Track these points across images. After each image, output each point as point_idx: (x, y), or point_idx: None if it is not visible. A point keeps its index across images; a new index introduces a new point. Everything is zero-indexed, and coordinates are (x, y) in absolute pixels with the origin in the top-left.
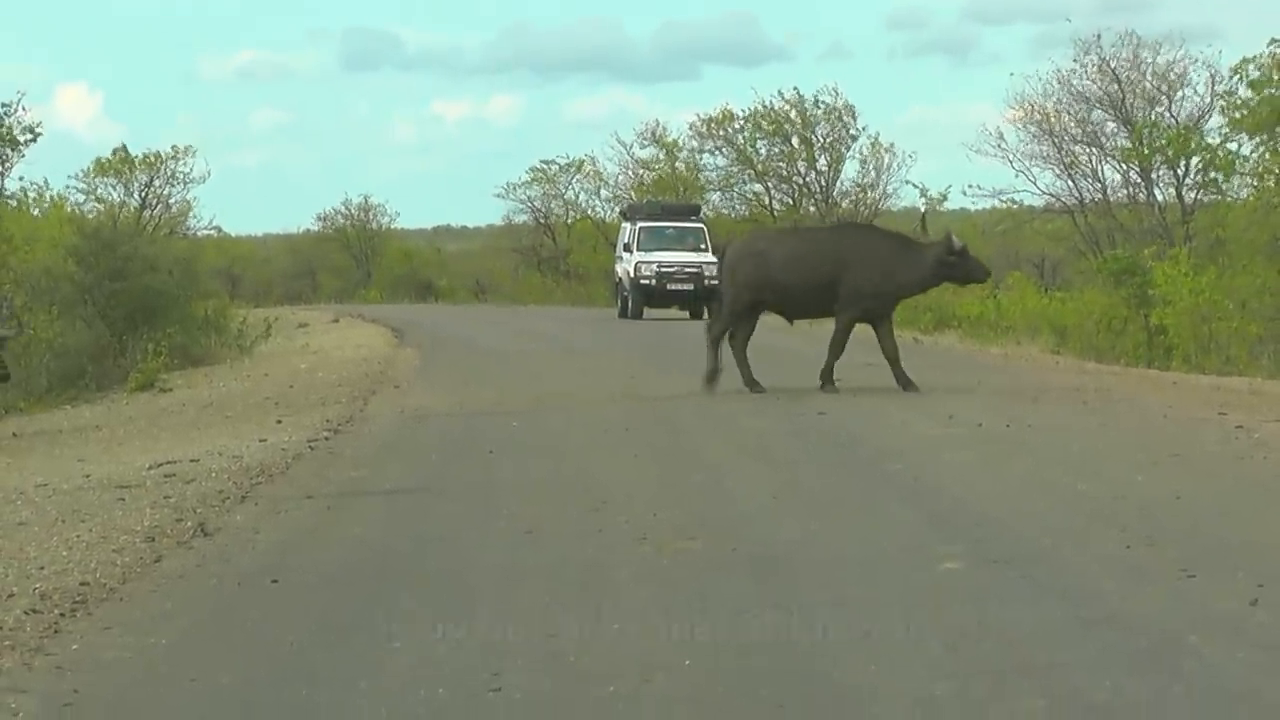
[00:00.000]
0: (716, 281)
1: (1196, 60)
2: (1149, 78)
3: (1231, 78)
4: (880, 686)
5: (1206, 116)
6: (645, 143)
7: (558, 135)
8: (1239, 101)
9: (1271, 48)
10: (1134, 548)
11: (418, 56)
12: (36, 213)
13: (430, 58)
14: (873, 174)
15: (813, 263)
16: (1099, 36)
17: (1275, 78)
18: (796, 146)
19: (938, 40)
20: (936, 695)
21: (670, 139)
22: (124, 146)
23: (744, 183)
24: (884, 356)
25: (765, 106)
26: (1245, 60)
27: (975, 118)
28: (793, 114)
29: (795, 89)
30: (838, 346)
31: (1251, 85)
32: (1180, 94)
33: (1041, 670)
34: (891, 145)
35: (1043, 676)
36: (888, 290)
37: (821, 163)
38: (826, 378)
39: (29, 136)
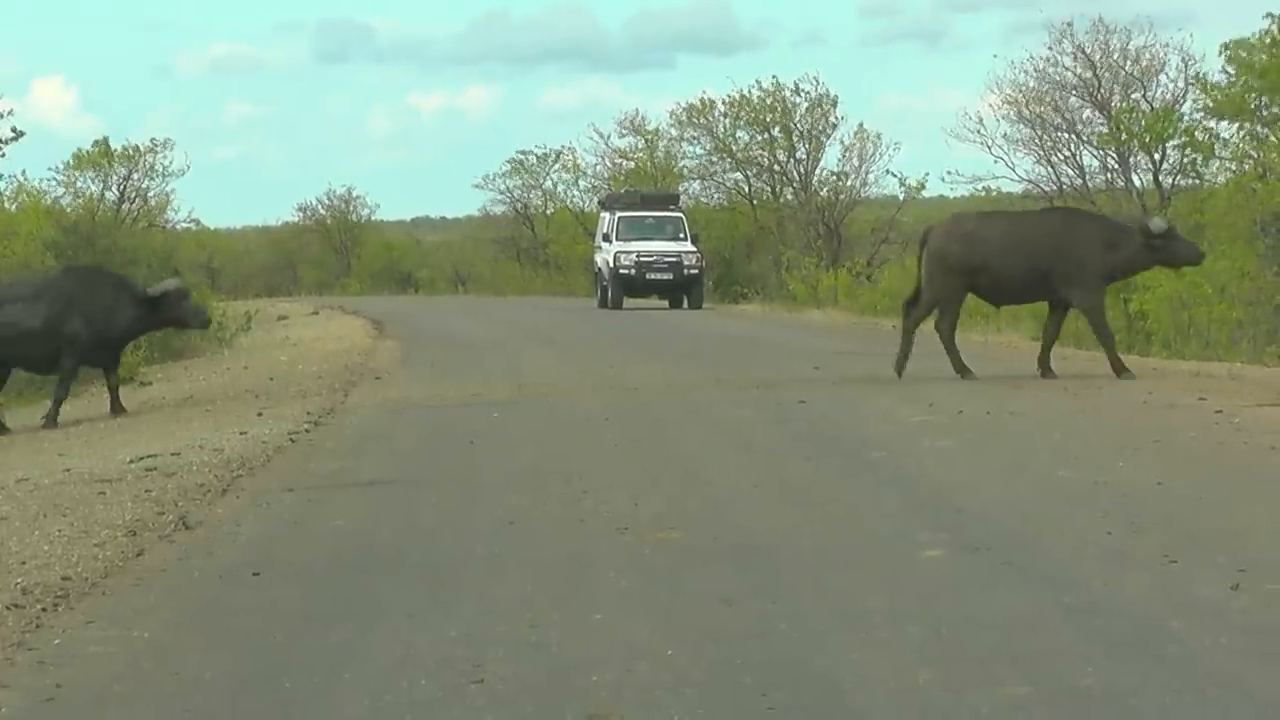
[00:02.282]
0: (695, 270)
1: (1167, 45)
2: (1123, 64)
3: (1220, 54)
4: (863, 674)
5: (1181, 102)
6: (625, 132)
7: (533, 125)
8: (1221, 83)
9: (1269, 23)
10: (1115, 534)
11: (390, 48)
12: (13, 207)
13: (403, 49)
14: (855, 161)
15: (1029, 247)
16: (1070, 24)
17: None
18: (776, 135)
19: (910, 28)
20: (919, 683)
21: (650, 128)
22: (104, 139)
23: (723, 171)
24: (1046, 337)
25: (744, 95)
26: (1233, 42)
27: (949, 105)
28: (770, 102)
29: (774, 78)
30: (1105, 333)
31: (1240, 66)
32: (1155, 80)
33: (1024, 657)
34: (879, 135)
35: (1025, 663)
36: (1101, 274)
37: (801, 151)
38: (1119, 368)
39: (11, 136)
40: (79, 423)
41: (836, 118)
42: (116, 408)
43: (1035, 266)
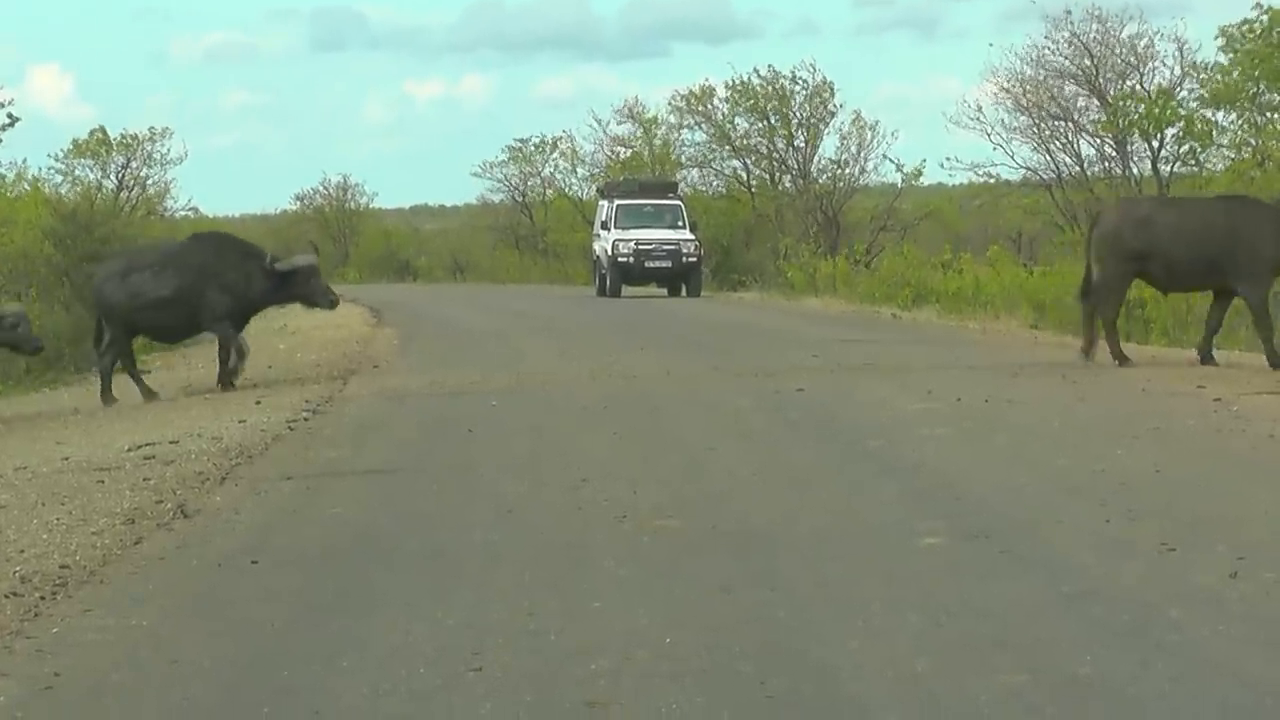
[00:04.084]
0: (693, 258)
1: (1160, 33)
2: (1118, 51)
3: (1215, 39)
4: (861, 662)
5: (1177, 89)
6: (623, 119)
7: (529, 113)
8: (1220, 66)
9: (1257, 13)
10: (1114, 522)
11: (385, 36)
12: (12, 195)
13: (398, 37)
14: (853, 149)
15: (1202, 234)
16: (1069, 12)
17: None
18: (775, 123)
19: (904, 16)
20: (918, 671)
21: (649, 115)
22: (101, 128)
23: (722, 159)
24: (1209, 326)
25: (743, 83)
26: (1227, 28)
27: (945, 93)
28: (769, 89)
29: (770, 66)
30: (1265, 324)
31: (1237, 54)
32: (1150, 66)
33: (1023, 645)
34: (877, 123)
35: (1024, 651)
36: (1273, 265)
37: (799, 139)
38: (1275, 361)
39: (7, 123)
40: (77, 410)
41: (835, 105)
42: (226, 383)
43: (1206, 254)
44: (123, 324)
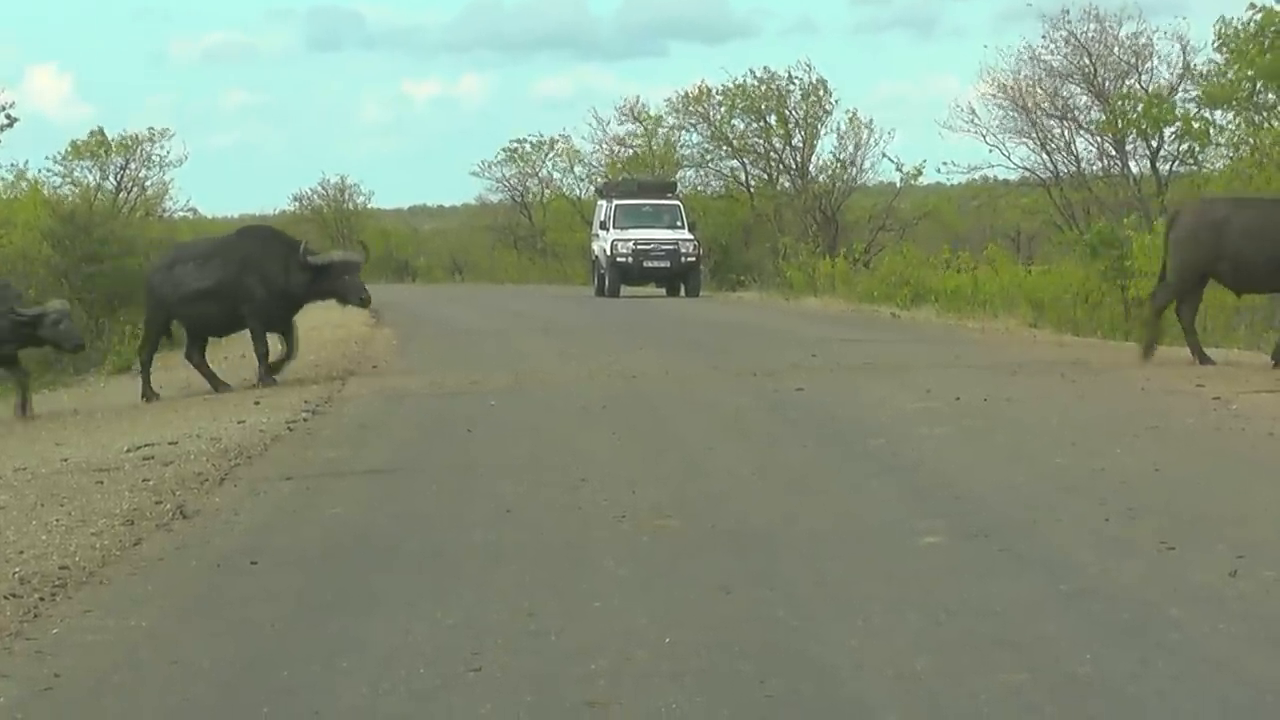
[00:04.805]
0: (692, 258)
1: (1159, 31)
2: (1117, 51)
3: (1213, 42)
4: (861, 661)
5: (1177, 88)
6: (624, 119)
7: (527, 113)
8: (1217, 67)
9: (1249, 13)
10: (1113, 520)
11: (382, 36)
12: (11, 196)
13: (394, 37)
14: (850, 149)
15: (1277, 235)
16: (1067, 11)
17: (1251, 48)
18: (772, 124)
19: (901, 15)
20: (918, 669)
21: (651, 114)
22: (100, 129)
23: (720, 159)
24: None
25: (738, 84)
26: (1224, 22)
27: (943, 92)
28: (764, 90)
29: (766, 67)
30: None
31: (1233, 54)
32: (1149, 65)
33: (1022, 644)
34: (871, 121)
35: (1023, 650)
36: None
37: (797, 139)
38: None
39: (5, 121)
40: (76, 411)
41: (830, 104)
42: (266, 377)
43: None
44: (167, 317)
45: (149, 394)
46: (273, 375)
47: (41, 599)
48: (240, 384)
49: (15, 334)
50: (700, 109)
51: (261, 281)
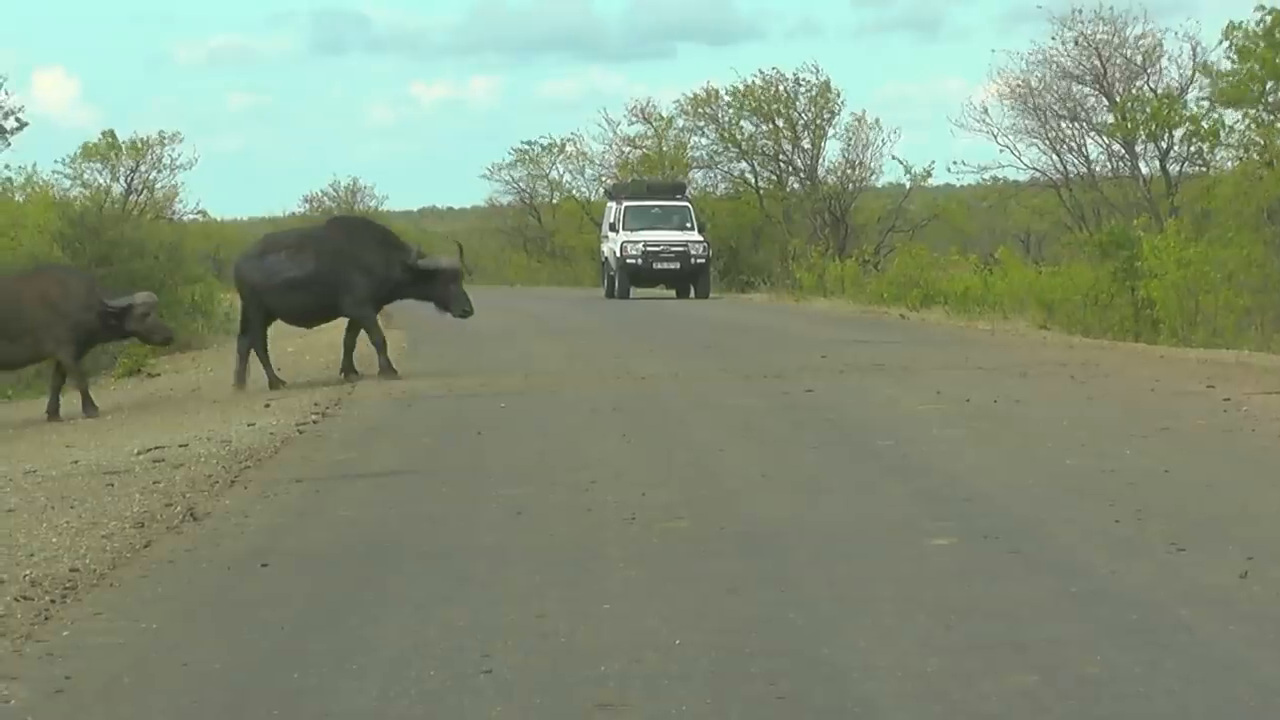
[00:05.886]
0: (702, 260)
1: (1169, 31)
2: (1127, 52)
3: (1221, 42)
4: (871, 663)
5: (1188, 89)
6: (634, 120)
7: (534, 115)
8: (1224, 70)
9: (1259, 14)
10: (1123, 522)
11: (387, 38)
12: (21, 198)
13: (399, 39)
14: (858, 151)
15: None
16: (1079, 11)
17: (1262, 46)
18: (780, 126)
19: (905, 16)
20: (928, 671)
21: (662, 116)
22: (111, 131)
23: (729, 161)
24: None
25: (746, 86)
26: (1232, 26)
27: (948, 93)
28: (772, 92)
29: (775, 68)
30: None
31: (1239, 53)
32: (1158, 66)
33: (1032, 645)
34: (877, 121)
35: (1034, 651)
36: None
37: (805, 141)
38: None
39: (15, 124)
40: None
41: (837, 105)
42: (350, 371)
43: None
44: (259, 306)
45: (276, 381)
46: (392, 370)
47: (52, 601)
48: (251, 386)
49: (105, 327)
50: (708, 111)
51: (361, 271)
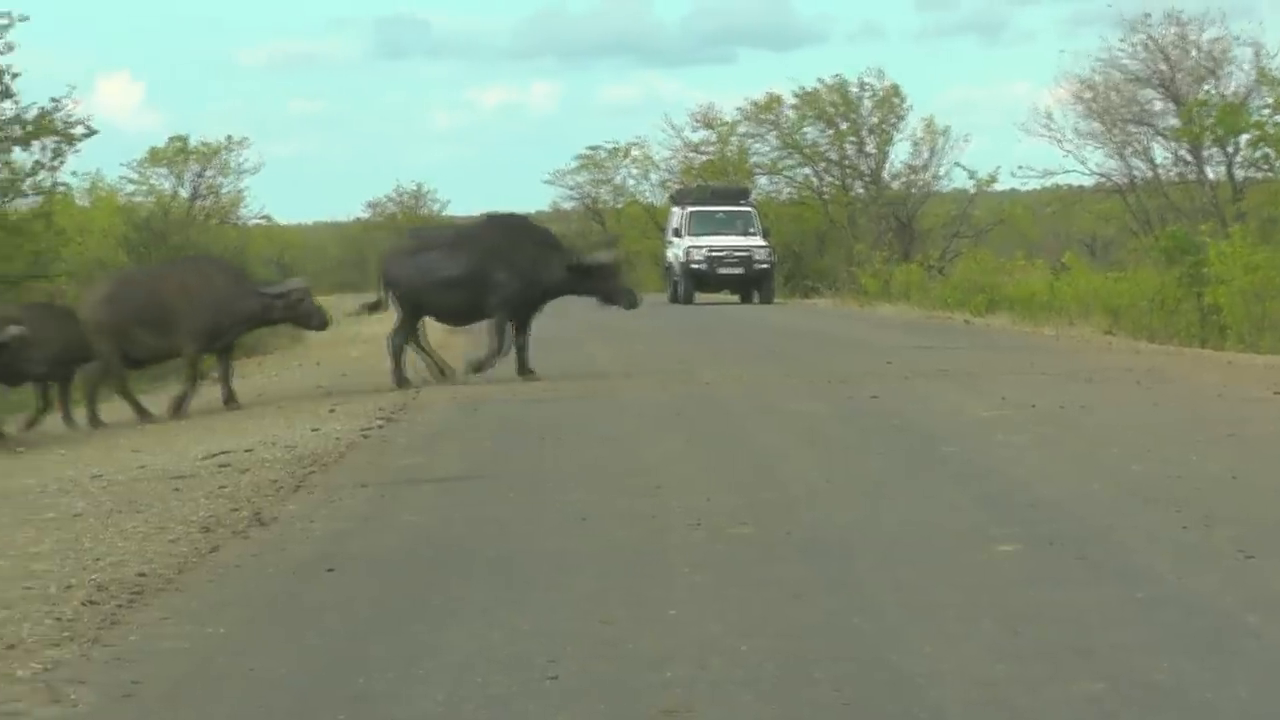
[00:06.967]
0: (766, 265)
1: (1239, 37)
2: (1195, 55)
3: None
4: (938, 669)
5: (1254, 94)
6: (697, 125)
7: (595, 120)
8: None
9: None
10: (1190, 528)
11: (447, 44)
12: (87, 203)
13: (460, 45)
14: (925, 155)
15: None
16: (1148, 15)
17: None
18: (843, 130)
19: (968, 20)
20: (995, 677)
21: (725, 121)
22: (180, 136)
23: (792, 166)
24: None
25: (808, 92)
26: None
27: (1014, 97)
28: (836, 98)
29: (838, 75)
30: None
31: None
32: (1226, 70)
33: (1098, 652)
34: (947, 129)
35: (1101, 658)
36: None
37: (870, 145)
38: None
39: (84, 132)
40: (153, 419)
41: (904, 110)
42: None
43: None
44: (411, 304)
45: (444, 370)
46: (487, 369)
47: (119, 606)
48: (314, 389)
49: (263, 312)
50: (770, 117)
51: (512, 273)
